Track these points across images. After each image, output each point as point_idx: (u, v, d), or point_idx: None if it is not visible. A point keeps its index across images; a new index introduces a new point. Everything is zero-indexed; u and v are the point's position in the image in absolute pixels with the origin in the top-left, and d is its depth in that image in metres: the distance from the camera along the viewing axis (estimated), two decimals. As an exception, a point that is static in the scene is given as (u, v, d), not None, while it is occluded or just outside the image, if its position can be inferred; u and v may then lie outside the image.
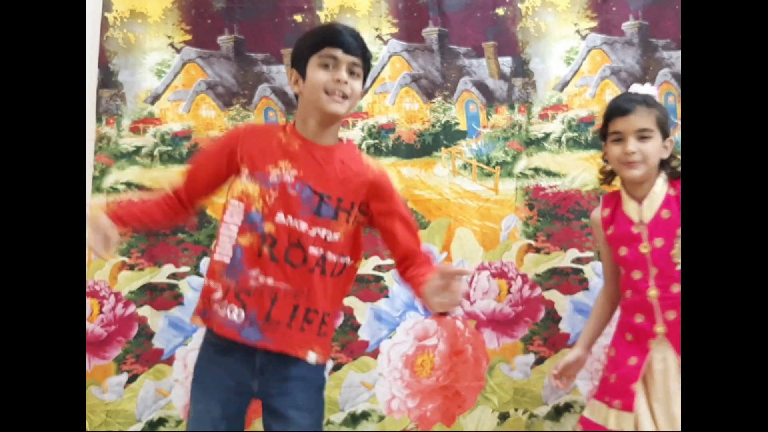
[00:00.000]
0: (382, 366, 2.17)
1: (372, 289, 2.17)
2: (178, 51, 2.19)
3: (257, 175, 1.50)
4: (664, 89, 2.27)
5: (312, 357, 1.50)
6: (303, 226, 1.47)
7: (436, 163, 2.22)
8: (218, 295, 1.49)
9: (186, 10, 2.19)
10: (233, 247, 1.49)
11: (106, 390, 2.11)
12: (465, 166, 2.22)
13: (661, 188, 1.71)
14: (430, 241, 2.20)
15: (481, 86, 2.24)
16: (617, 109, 1.72)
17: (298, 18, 2.19)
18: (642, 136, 1.68)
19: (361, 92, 1.56)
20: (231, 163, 1.54)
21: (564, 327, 2.17)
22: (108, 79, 2.16)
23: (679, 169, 1.73)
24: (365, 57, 1.54)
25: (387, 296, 2.18)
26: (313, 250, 1.48)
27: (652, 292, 1.68)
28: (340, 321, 2.15)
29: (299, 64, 1.53)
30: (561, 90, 2.25)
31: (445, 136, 2.21)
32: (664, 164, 1.73)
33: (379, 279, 2.17)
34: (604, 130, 1.77)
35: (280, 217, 1.47)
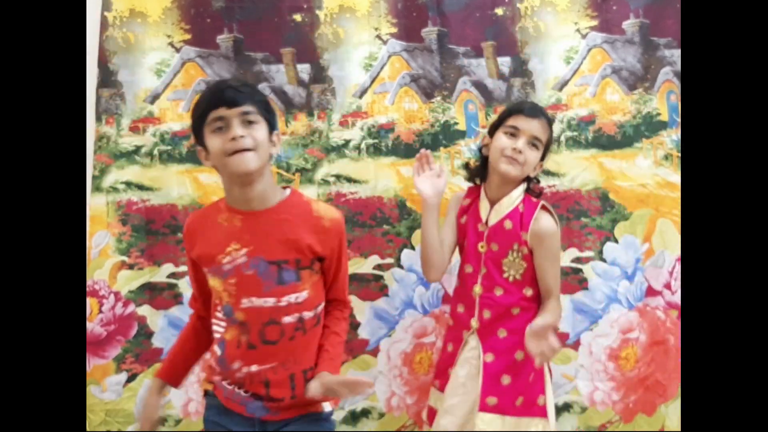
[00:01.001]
0: (382, 364, 2.18)
1: (372, 288, 2.17)
2: (178, 50, 2.18)
3: (213, 269, 1.48)
4: (665, 88, 2.27)
5: (327, 407, 1.53)
6: (270, 301, 1.44)
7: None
8: (218, 378, 1.51)
9: (185, 10, 2.19)
10: (219, 341, 1.50)
11: (106, 389, 2.11)
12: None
13: (513, 200, 1.80)
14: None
15: (480, 86, 2.24)
16: (525, 109, 1.81)
17: (298, 17, 2.19)
18: (533, 143, 1.78)
19: (272, 136, 1.46)
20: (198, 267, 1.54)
21: (563, 326, 2.17)
22: (107, 79, 2.16)
23: (536, 190, 1.84)
24: (256, 100, 1.44)
25: (387, 295, 2.18)
26: (288, 319, 1.46)
27: (477, 289, 1.80)
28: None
29: (200, 141, 1.45)
30: (560, 89, 2.24)
31: (444, 135, 2.21)
32: (528, 182, 1.84)
33: (378, 278, 2.17)
34: (498, 123, 1.84)
35: (245, 302, 1.45)
